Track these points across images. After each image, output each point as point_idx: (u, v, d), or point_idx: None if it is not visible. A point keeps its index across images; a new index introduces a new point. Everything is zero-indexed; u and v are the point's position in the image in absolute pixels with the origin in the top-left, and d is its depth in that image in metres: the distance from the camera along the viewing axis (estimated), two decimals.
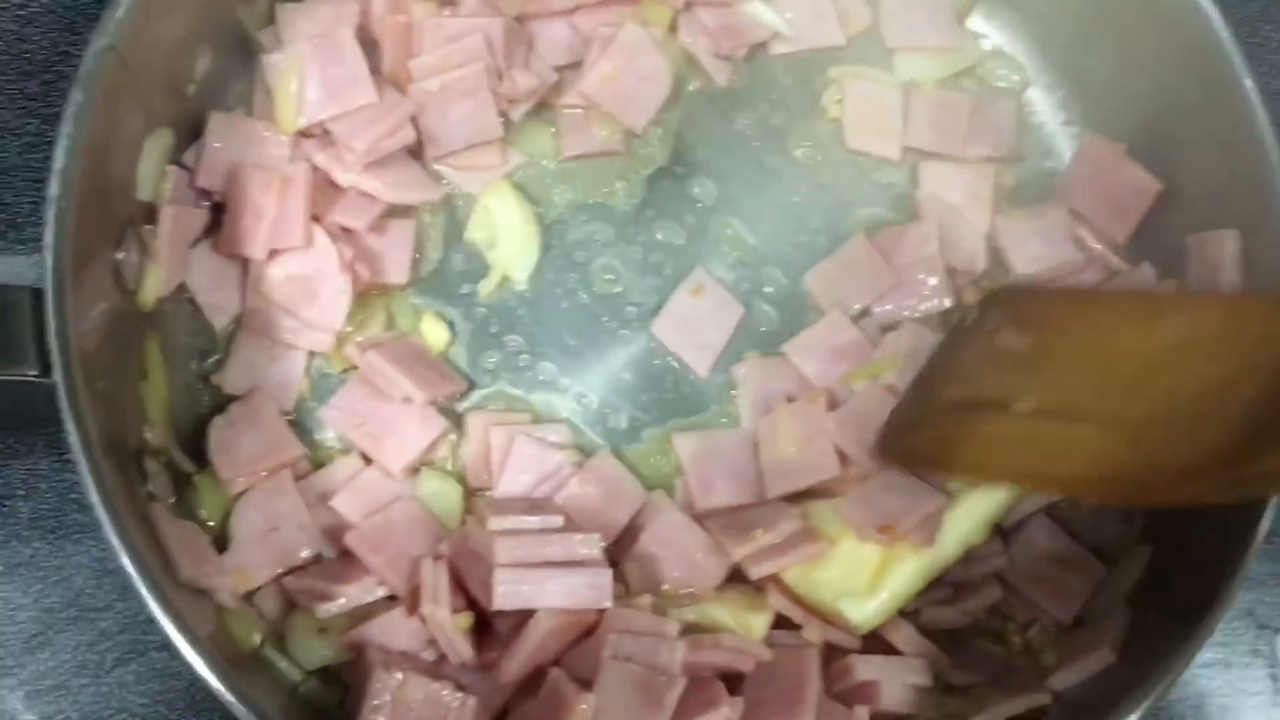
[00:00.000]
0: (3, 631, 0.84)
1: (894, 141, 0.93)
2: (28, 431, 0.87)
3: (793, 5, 0.94)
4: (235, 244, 0.83)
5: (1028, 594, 0.84)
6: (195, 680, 0.67)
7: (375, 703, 0.73)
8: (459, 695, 0.74)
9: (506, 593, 0.75)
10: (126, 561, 0.67)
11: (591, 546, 0.77)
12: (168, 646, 0.81)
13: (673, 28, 0.93)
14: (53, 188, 0.70)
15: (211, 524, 0.80)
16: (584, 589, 0.76)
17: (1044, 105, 0.96)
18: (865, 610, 0.79)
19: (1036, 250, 0.90)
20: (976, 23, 0.97)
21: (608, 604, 0.76)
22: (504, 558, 0.75)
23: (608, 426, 0.88)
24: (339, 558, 0.81)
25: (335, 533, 0.81)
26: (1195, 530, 0.80)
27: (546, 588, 0.75)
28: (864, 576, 0.79)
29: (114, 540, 0.66)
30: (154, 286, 0.80)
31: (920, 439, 0.79)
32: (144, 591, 0.67)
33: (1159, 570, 0.83)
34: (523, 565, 0.76)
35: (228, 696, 0.67)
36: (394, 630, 0.78)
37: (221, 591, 0.76)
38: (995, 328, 0.80)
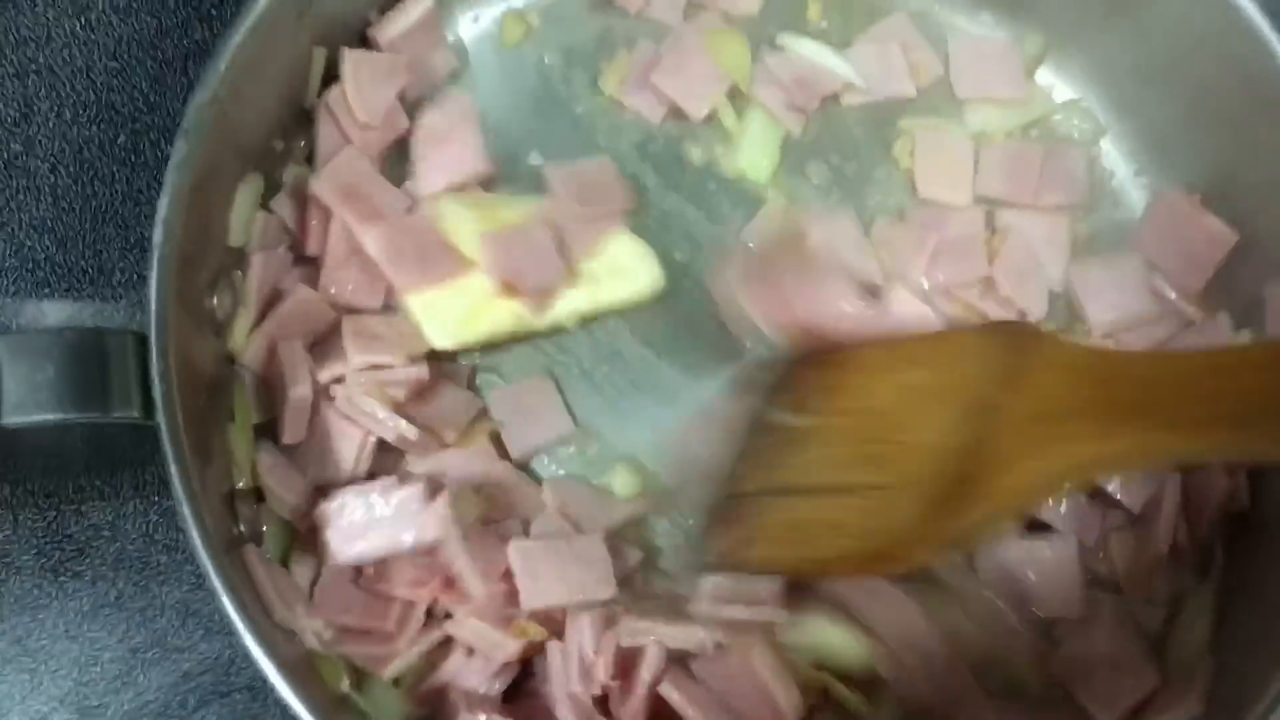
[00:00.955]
0: (89, 671, 0.86)
1: (966, 190, 0.93)
2: (115, 473, 0.89)
3: (864, 57, 0.95)
4: None
5: (1072, 690, 0.82)
6: None
7: None
8: None
9: None
10: (227, 604, 0.68)
11: None
12: (250, 688, 0.83)
13: None
14: (157, 235, 0.72)
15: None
16: None
17: (1115, 155, 0.97)
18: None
19: (1112, 299, 0.90)
20: (1046, 75, 0.98)
21: None
22: None
23: None
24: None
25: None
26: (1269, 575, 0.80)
27: None
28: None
29: (216, 584, 0.68)
30: (243, 331, 0.82)
31: (731, 539, 0.75)
32: (244, 632, 0.68)
33: (1239, 616, 0.82)
34: None
35: None
36: (463, 671, 0.79)
37: (308, 633, 0.77)
38: (773, 409, 0.75)
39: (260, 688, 0.85)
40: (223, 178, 0.80)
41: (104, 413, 0.69)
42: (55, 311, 0.91)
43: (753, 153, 0.94)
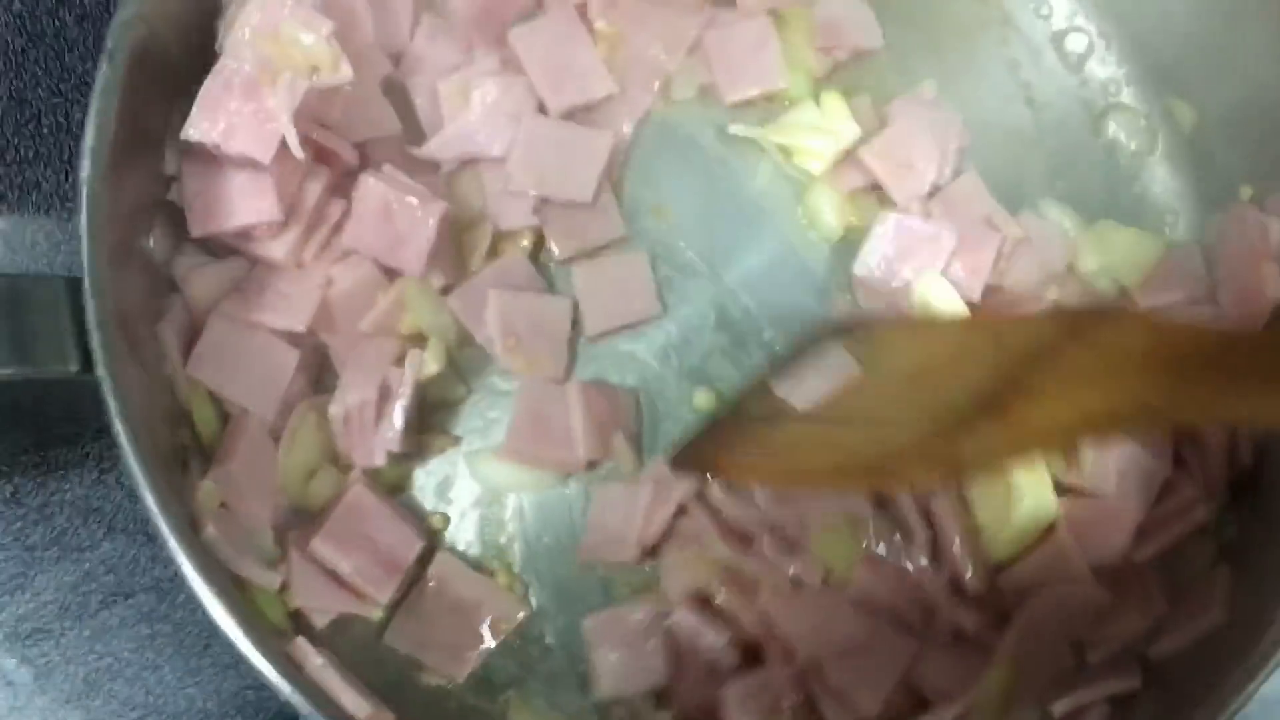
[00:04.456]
0: None
1: None
2: None
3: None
4: None
5: None
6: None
7: None
8: None
9: None
10: (189, 569, 0.63)
11: None
12: (157, 588, 0.80)
13: None
14: (84, 168, 0.65)
15: None
16: None
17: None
18: None
19: None
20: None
21: None
22: None
23: None
24: None
25: None
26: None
27: None
28: None
29: (173, 545, 0.63)
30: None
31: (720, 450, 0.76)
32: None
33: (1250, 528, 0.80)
34: None
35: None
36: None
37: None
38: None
39: (167, 588, 0.80)
40: (154, 102, 0.73)
41: (34, 367, 0.63)
42: None
43: None
